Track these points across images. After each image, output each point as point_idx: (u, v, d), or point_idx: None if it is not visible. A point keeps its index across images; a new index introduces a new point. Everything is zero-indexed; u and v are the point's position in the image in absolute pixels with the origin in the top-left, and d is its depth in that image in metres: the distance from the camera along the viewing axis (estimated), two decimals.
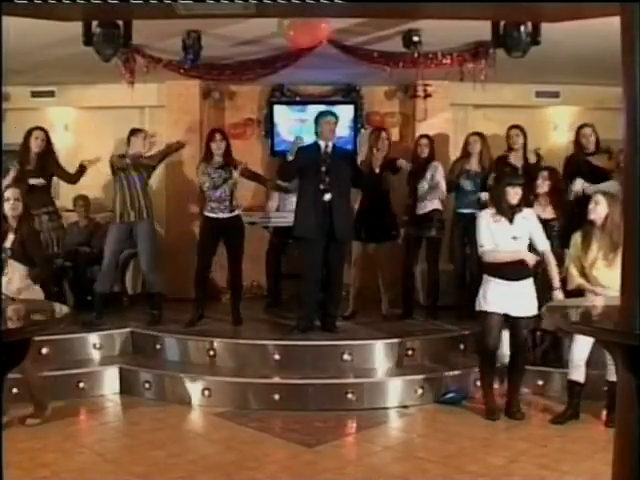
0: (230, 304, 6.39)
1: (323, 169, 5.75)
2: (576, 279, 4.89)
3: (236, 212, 6.23)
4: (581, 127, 6.37)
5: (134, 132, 6.30)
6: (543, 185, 5.47)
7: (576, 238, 4.94)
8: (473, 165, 6.44)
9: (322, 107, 7.72)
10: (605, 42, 3.51)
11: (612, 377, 4.72)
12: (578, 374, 4.84)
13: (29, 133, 6.25)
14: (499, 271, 4.87)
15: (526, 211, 4.96)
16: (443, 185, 6.34)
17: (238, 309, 6.33)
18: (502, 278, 4.86)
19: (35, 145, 6.23)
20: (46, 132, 6.36)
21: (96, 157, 6.42)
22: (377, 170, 6.42)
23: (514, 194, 4.86)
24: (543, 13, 4.74)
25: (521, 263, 4.85)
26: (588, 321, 2.97)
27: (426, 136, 6.69)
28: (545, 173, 5.53)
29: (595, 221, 4.83)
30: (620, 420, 2.93)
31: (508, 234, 4.87)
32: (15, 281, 4.86)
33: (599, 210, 4.81)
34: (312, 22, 5.37)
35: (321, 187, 5.71)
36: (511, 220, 4.88)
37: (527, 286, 4.90)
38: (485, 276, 4.98)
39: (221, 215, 6.16)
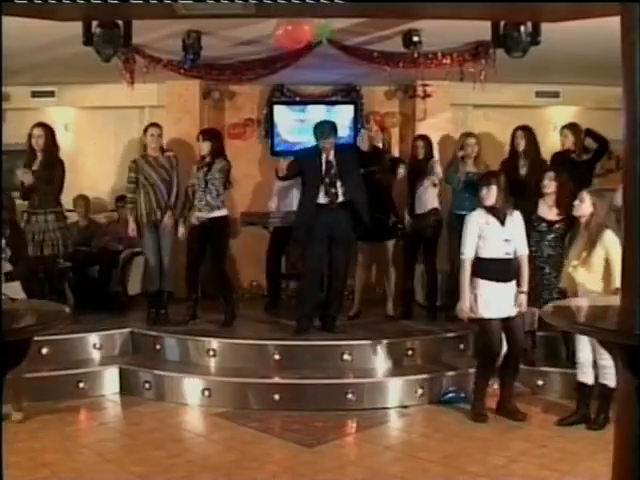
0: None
1: (327, 179, 5.71)
2: (564, 280, 4.83)
3: (216, 213, 6.06)
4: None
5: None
6: (549, 185, 5.38)
7: (568, 238, 4.95)
8: (469, 166, 6.42)
9: (322, 107, 7.76)
10: (605, 42, 3.52)
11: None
12: (585, 375, 4.73)
13: (30, 133, 6.09)
14: (491, 273, 4.76)
15: (515, 214, 4.87)
16: (439, 171, 6.45)
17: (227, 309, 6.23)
18: (496, 280, 4.75)
19: (35, 144, 6.08)
20: (46, 128, 6.16)
21: None
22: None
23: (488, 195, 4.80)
24: (543, 13, 4.75)
25: (509, 263, 4.80)
26: (589, 321, 2.97)
27: (422, 137, 6.70)
28: (551, 174, 5.46)
29: (580, 219, 4.79)
30: (620, 420, 2.93)
31: (500, 236, 4.77)
32: None
33: (584, 208, 4.74)
34: (296, 24, 5.35)
35: (331, 191, 5.70)
36: (502, 222, 4.79)
37: (513, 287, 4.83)
38: (478, 280, 4.80)
39: (203, 215, 6.08)
